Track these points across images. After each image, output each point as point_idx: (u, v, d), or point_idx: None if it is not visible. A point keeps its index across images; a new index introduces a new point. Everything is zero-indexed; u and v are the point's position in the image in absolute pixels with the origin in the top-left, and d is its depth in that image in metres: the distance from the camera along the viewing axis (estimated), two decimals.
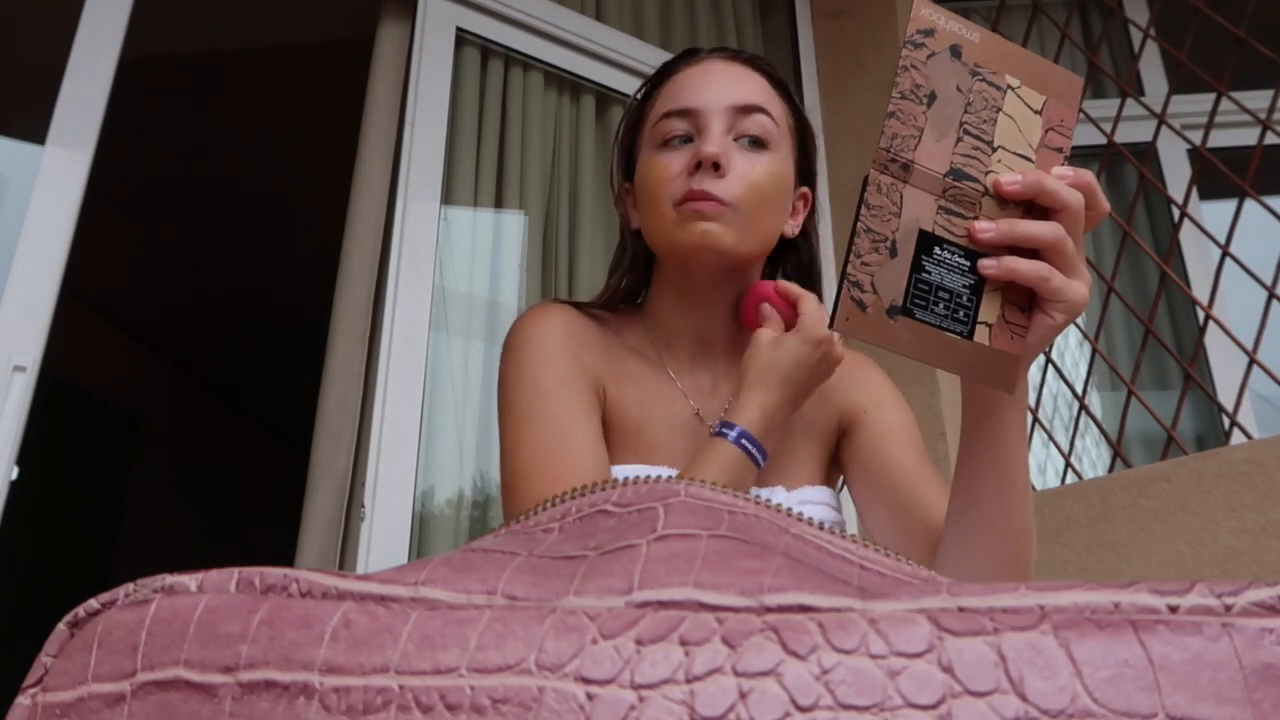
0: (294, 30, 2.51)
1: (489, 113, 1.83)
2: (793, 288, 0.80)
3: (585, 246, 1.85)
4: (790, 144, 0.85)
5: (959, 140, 0.57)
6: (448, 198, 1.73)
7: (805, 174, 0.88)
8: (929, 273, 0.56)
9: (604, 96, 2.02)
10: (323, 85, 2.77)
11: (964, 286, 0.57)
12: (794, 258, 0.91)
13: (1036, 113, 0.59)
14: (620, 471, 0.81)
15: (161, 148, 3.21)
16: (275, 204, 3.52)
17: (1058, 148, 0.59)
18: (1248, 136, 2.03)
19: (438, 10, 1.80)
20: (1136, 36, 2.33)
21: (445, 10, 1.81)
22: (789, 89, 0.88)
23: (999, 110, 0.58)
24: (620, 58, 2.03)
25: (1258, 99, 1.79)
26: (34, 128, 1.50)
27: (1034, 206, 0.58)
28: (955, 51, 0.57)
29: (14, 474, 1.31)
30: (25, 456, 1.35)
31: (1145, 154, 2.09)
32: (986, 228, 0.57)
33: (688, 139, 0.82)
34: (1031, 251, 0.58)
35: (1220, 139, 1.87)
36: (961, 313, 0.57)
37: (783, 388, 0.76)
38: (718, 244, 0.79)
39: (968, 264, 0.57)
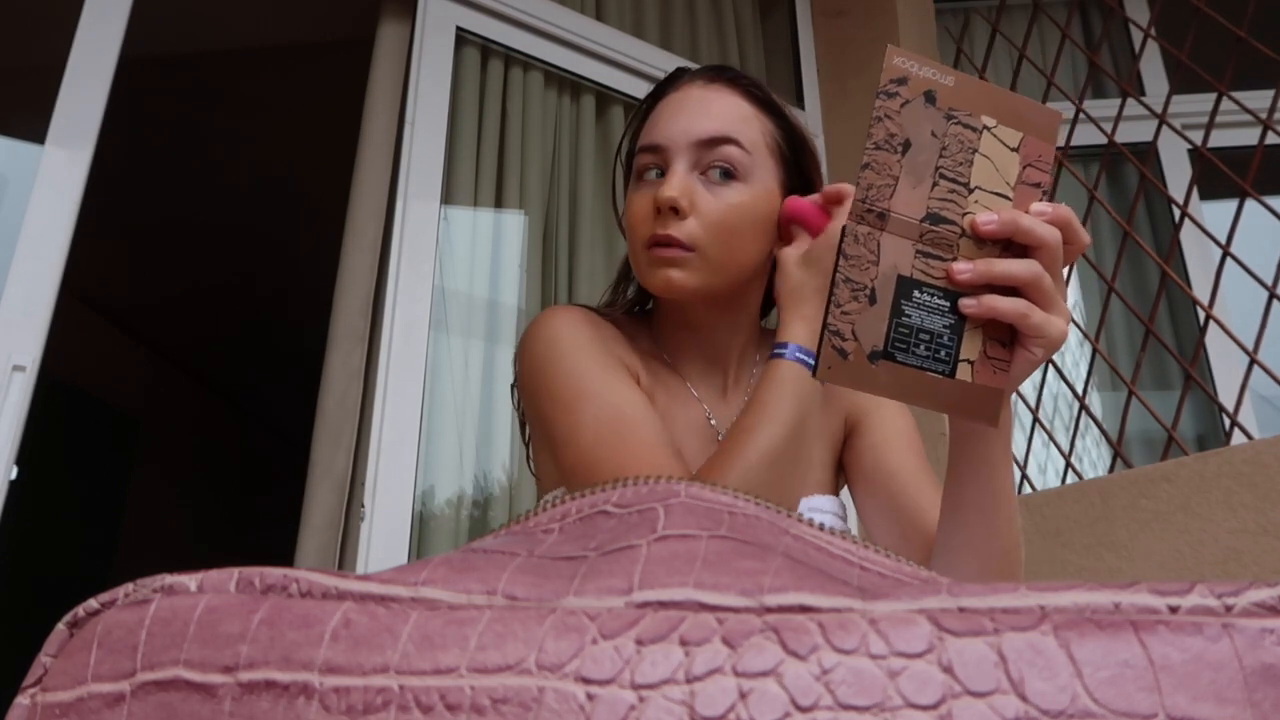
0: (294, 30, 2.51)
1: (489, 112, 1.83)
2: (833, 190, 0.79)
3: (585, 246, 1.85)
4: (772, 164, 0.84)
5: (935, 184, 0.58)
6: (448, 197, 1.73)
7: (800, 187, 0.87)
8: (909, 316, 0.57)
9: (604, 96, 2.02)
10: (323, 85, 2.77)
11: (944, 327, 0.58)
12: None
13: (1013, 150, 0.60)
14: None
15: (161, 148, 3.21)
16: (275, 203, 3.52)
17: (1036, 183, 0.60)
18: (1248, 136, 2.03)
19: (438, 10, 1.80)
20: (1137, 36, 2.33)
21: (445, 10, 1.81)
22: (774, 104, 0.87)
23: (975, 151, 0.59)
24: (620, 57, 2.03)
25: (1258, 99, 1.79)
26: (34, 127, 1.50)
27: (1012, 244, 0.59)
28: (929, 97, 0.58)
29: (13, 474, 1.31)
30: (24, 456, 1.35)
31: (1146, 154, 2.09)
32: (964, 269, 0.58)
33: (661, 172, 0.82)
34: (1011, 288, 0.59)
35: (1221, 139, 1.87)
36: (943, 352, 0.58)
37: (820, 298, 0.75)
38: (683, 288, 0.80)
39: (948, 304, 0.58)
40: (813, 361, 0.74)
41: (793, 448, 0.72)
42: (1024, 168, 0.60)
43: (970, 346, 0.59)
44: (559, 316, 0.83)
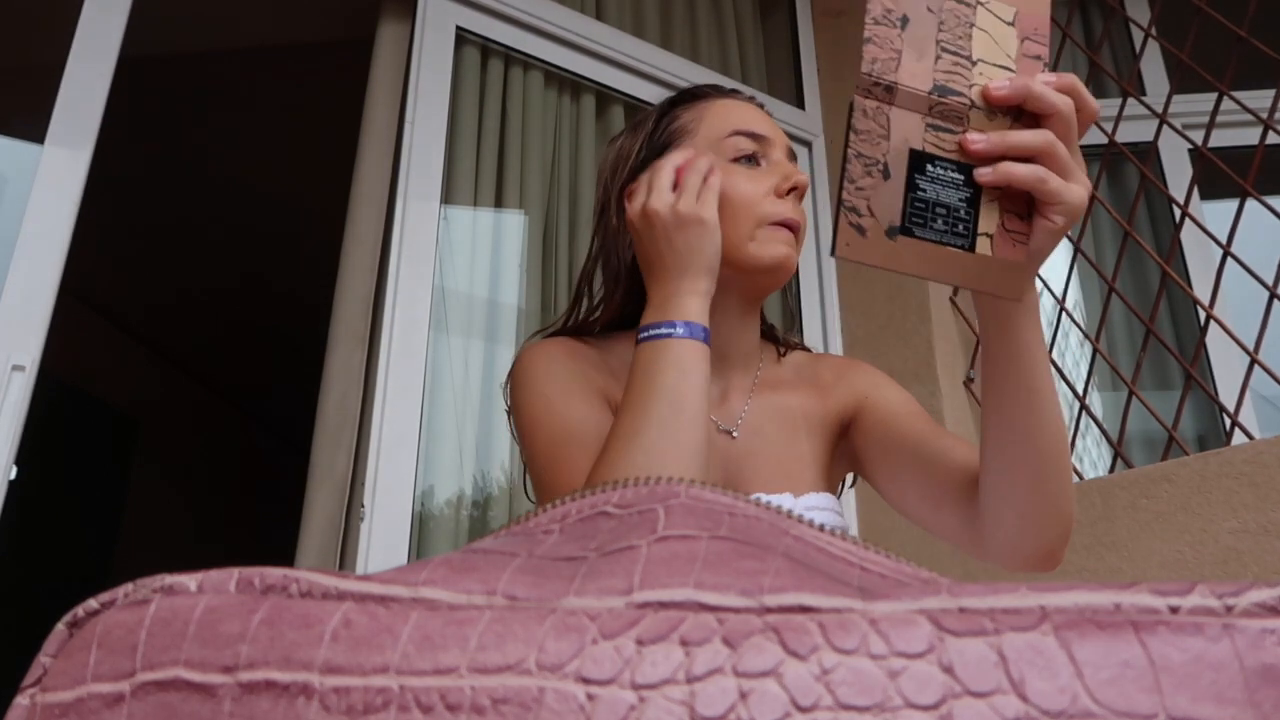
0: (294, 30, 2.50)
1: (489, 112, 1.83)
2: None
3: (585, 246, 1.84)
4: None
5: (938, 58, 0.57)
6: (447, 197, 1.73)
7: None
8: (924, 190, 0.56)
9: (604, 96, 2.02)
10: (323, 85, 2.77)
11: (960, 200, 0.57)
12: None
13: (1009, 24, 0.59)
14: None
15: (160, 148, 3.21)
16: (275, 203, 3.52)
17: (1036, 55, 0.59)
18: (1249, 136, 2.03)
19: (437, 9, 1.80)
20: (1138, 36, 2.33)
21: (445, 9, 1.81)
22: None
23: (972, 25, 0.58)
24: (620, 57, 2.03)
25: (1259, 98, 1.79)
26: (33, 127, 1.50)
27: (1022, 116, 0.58)
28: None
29: (12, 473, 1.31)
30: (24, 456, 1.35)
31: (1146, 153, 2.09)
32: (978, 138, 0.57)
33: (752, 159, 0.86)
34: (1026, 160, 0.58)
35: (1221, 138, 1.86)
36: (961, 226, 0.57)
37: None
38: (792, 266, 0.85)
39: (962, 178, 0.57)
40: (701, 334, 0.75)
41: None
42: (1022, 41, 0.59)
43: (988, 220, 0.57)
44: (535, 352, 0.87)
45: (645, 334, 0.75)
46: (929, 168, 0.56)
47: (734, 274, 0.84)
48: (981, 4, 0.59)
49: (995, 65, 0.58)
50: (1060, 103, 0.57)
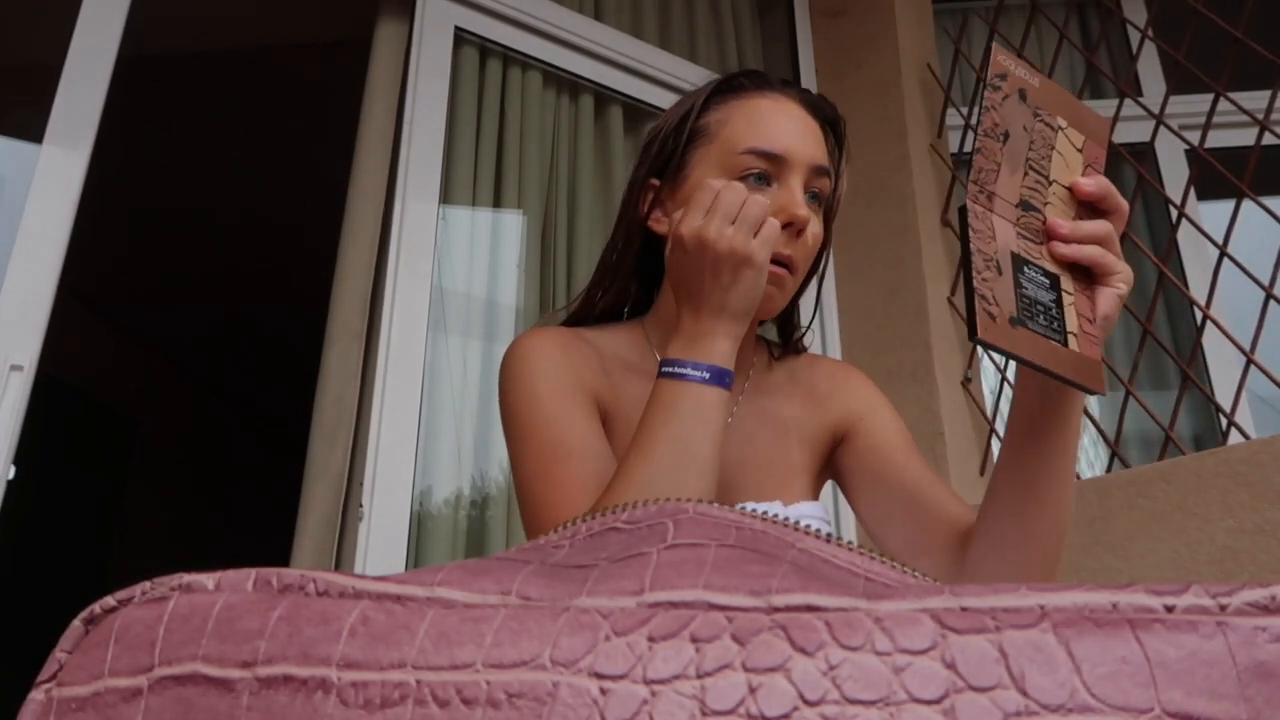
0: (292, 30, 2.50)
1: (487, 112, 1.84)
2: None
3: (583, 246, 1.85)
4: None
5: (1026, 174, 0.64)
6: (446, 197, 1.73)
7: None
8: (1026, 289, 0.62)
9: (602, 96, 2.03)
10: (321, 85, 2.77)
11: (1051, 301, 0.63)
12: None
13: (1078, 150, 0.67)
14: None
15: (159, 147, 3.21)
16: (273, 202, 3.52)
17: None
18: (1246, 137, 2.04)
19: (436, 9, 1.80)
20: (1134, 37, 2.33)
21: (443, 9, 1.81)
22: (844, 139, 0.89)
23: (1053, 148, 0.66)
24: (619, 57, 2.03)
25: (1255, 99, 1.80)
26: (31, 127, 1.50)
27: (1081, 212, 0.67)
28: (1022, 95, 0.64)
29: (10, 473, 1.31)
30: (21, 456, 1.35)
31: (1143, 154, 2.10)
32: (1064, 223, 0.65)
33: (763, 178, 0.82)
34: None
35: (1218, 139, 1.87)
36: (1055, 324, 0.63)
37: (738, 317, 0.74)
38: (775, 310, 0.83)
39: (1048, 282, 0.64)
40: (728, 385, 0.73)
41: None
42: (1086, 167, 0.67)
43: (1070, 321, 0.64)
44: (528, 343, 0.84)
45: (669, 369, 0.72)
46: (1025, 269, 0.63)
47: None
48: (1062, 129, 0.66)
49: (1065, 186, 0.66)
50: (1123, 204, 0.66)
